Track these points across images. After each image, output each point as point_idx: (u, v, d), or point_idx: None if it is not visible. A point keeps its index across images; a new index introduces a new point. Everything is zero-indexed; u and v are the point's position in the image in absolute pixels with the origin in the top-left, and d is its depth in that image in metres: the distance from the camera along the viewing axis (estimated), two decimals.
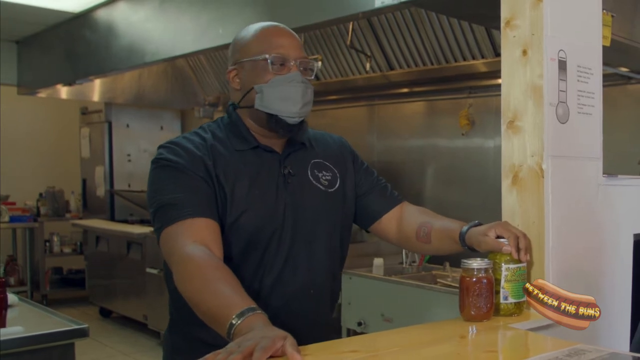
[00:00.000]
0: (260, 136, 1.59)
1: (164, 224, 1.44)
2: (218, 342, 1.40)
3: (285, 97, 1.52)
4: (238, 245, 1.51)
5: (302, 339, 1.44)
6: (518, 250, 1.53)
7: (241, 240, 1.51)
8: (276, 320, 1.48)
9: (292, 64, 1.54)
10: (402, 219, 1.76)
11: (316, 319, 1.64)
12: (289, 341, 1.17)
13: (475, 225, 1.63)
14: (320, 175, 1.64)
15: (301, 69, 1.55)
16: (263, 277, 1.53)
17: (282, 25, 1.62)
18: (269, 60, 1.52)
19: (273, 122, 1.54)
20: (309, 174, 1.62)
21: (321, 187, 1.62)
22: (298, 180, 1.59)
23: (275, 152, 1.59)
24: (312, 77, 1.59)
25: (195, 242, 1.39)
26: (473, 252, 1.62)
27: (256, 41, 1.56)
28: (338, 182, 1.66)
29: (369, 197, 1.75)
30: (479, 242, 1.57)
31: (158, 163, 1.51)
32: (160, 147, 1.56)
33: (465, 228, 1.63)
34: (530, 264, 1.65)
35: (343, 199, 1.68)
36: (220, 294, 1.30)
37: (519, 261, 1.58)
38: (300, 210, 1.56)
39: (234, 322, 1.23)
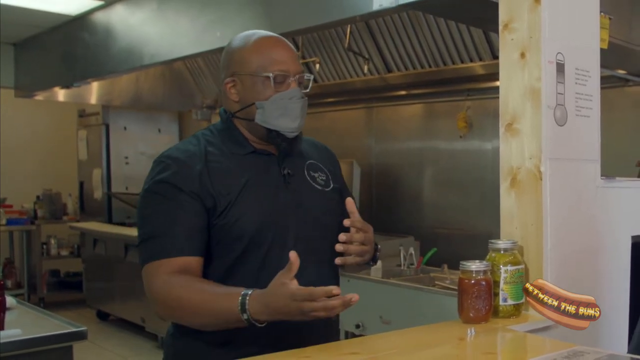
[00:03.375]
0: (255, 142, 1.62)
1: (145, 260, 1.50)
2: (219, 340, 1.50)
3: (285, 114, 1.56)
4: (240, 247, 1.52)
5: (310, 339, 1.45)
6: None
7: (242, 242, 1.52)
8: (281, 323, 1.50)
9: (291, 80, 1.57)
10: None
11: (323, 319, 1.64)
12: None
13: None
14: (316, 175, 1.67)
15: (298, 83, 1.59)
16: (267, 278, 1.52)
17: (278, 35, 1.63)
18: (271, 78, 1.54)
19: (273, 136, 1.57)
20: (306, 174, 1.65)
21: (318, 186, 1.66)
22: (297, 180, 1.62)
23: (272, 154, 1.62)
24: (308, 90, 1.62)
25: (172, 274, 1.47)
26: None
27: (255, 55, 1.56)
28: (332, 183, 1.70)
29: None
30: None
31: (151, 186, 1.53)
32: (154, 162, 1.58)
33: None
34: (529, 265, 1.66)
35: (339, 197, 1.70)
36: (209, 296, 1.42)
37: (519, 263, 1.59)
38: (302, 209, 1.58)
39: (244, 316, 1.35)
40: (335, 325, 1.74)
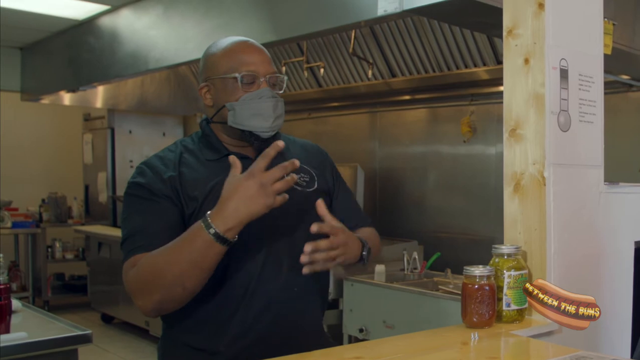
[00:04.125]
0: (232, 146, 1.63)
1: (125, 257, 1.50)
2: (202, 345, 1.54)
3: (256, 113, 1.56)
4: None
5: (298, 343, 1.46)
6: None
7: None
8: (261, 325, 1.51)
9: (261, 80, 1.58)
10: None
11: (306, 319, 1.65)
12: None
13: None
14: (297, 176, 1.63)
15: (271, 84, 1.60)
16: (244, 280, 1.54)
17: (251, 40, 1.65)
18: (238, 79, 1.56)
19: (247, 136, 1.59)
20: (285, 176, 1.63)
21: (298, 187, 1.64)
22: None
23: (249, 158, 1.61)
24: (282, 92, 1.63)
25: None
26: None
27: (225, 58, 1.59)
28: (316, 183, 1.69)
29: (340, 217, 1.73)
30: None
31: (128, 189, 1.57)
32: (136, 167, 1.62)
33: None
34: (532, 271, 1.66)
35: (325, 197, 1.68)
36: (173, 246, 1.41)
37: (522, 268, 1.59)
38: (279, 211, 1.54)
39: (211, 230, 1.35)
40: (327, 337, 1.75)
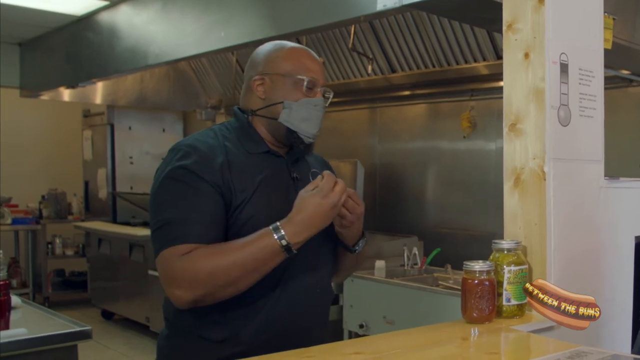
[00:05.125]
0: (268, 142, 1.65)
1: (163, 245, 1.46)
2: (225, 337, 1.52)
3: (309, 118, 1.62)
4: None
5: (310, 340, 1.47)
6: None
7: None
8: (284, 320, 1.52)
9: (318, 89, 1.64)
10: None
11: (321, 319, 1.69)
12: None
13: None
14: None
15: (323, 95, 1.66)
16: (272, 278, 1.54)
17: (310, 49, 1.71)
18: (304, 82, 1.61)
19: (292, 137, 1.62)
20: (310, 179, 1.67)
21: None
22: (303, 185, 1.62)
23: (283, 157, 1.66)
24: (326, 105, 1.69)
25: None
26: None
27: (290, 59, 1.63)
28: None
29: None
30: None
31: (171, 172, 1.52)
32: (173, 150, 1.57)
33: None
34: (532, 266, 1.66)
35: None
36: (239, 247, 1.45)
37: (522, 263, 1.59)
38: None
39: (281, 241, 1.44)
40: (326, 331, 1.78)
